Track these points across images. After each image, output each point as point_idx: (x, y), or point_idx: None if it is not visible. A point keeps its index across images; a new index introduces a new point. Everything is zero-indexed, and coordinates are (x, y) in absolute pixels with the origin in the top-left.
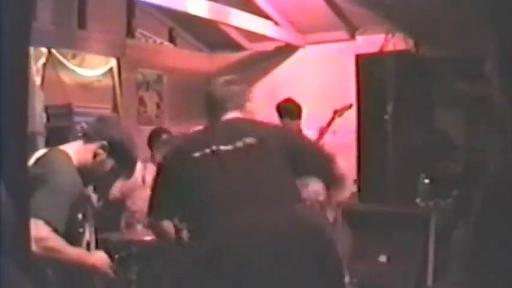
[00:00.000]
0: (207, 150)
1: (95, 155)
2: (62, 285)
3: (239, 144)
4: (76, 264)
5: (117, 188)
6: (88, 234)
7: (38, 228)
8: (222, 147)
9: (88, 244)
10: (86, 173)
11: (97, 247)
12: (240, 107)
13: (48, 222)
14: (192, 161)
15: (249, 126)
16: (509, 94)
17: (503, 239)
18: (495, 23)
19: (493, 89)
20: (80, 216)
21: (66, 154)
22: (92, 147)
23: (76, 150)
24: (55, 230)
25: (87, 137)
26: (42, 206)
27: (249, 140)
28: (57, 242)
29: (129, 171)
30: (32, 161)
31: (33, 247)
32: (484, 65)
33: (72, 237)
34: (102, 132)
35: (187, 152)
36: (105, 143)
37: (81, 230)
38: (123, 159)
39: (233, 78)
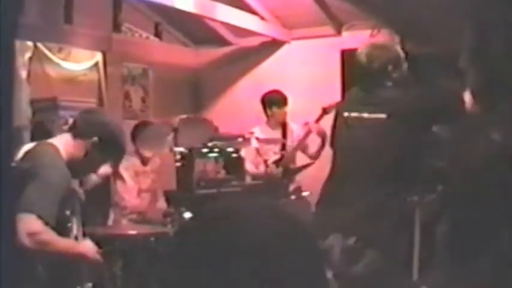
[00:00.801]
0: None
1: (86, 152)
2: (52, 281)
3: None
4: (66, 254)
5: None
6: (75, 228)
7: (31, 223)
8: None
9: (76, 238)
10: (75, 168)
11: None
12: None
13: (40, 217)
14: None
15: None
16: (481, 85)
17: (485, 233)
18: (470, 16)
19: (467, 81)
20: (68, 211)
21: (54, 148)
22: (82, 143)
23: (65, 144)
24: (46, 224)
25: (76, 132)
26: (33, 201)
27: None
28: (49, 236)
29: (118, 160)
30: (20, 154)
31: (27, 241)
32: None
33: (61, 231)
34: (92, 127)
35: None
36: (96, 139)
37: (69, 224)
38: (113, 153)
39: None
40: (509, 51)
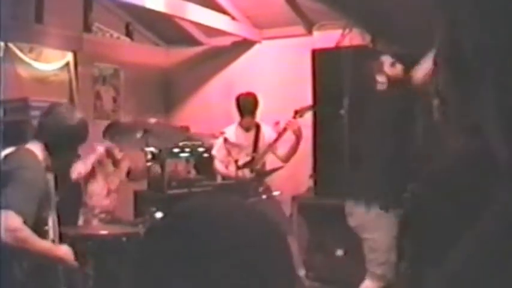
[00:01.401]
0: None
1: (51, 153)
2: (29, 282)
3: None
4: (45, 256)
5: (77, 169)
6: (52, 233)
7: (10, 219)
8: None
9: (53, 241)
10: (51, 168)
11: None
12: None
13: (19, 213)
14: None
15: None
16: (456, 85)
17: (455, 231)
18: (441, 16)
19: (440, 81)
20: (44, 213)
21: (31, 152)
22: (44, 146)
23: (37, 148)
24: (25, 222)
25: (38, 136)
26: (13, 198)
27: None
28: (28, 233)
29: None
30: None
31: (6, 237)
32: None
33: (39, 234)
34: (49, 130)
35: None
36: (45, 144)
37: (46, 227)
38: (72, 151)
39: None
40: (480, 52)
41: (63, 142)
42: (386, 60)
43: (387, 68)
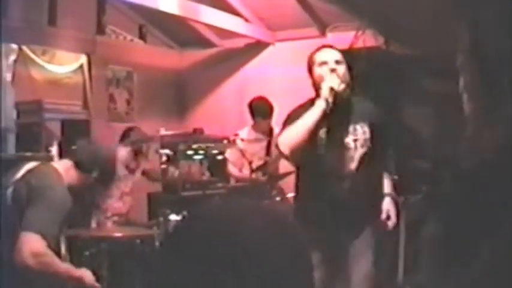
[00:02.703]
0: None
1: (88, 184)
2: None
3: None
4: (66, 278)
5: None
6: (63, 246)
7: (35, 243)
8: None
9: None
10: (72, 193)
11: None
12: None
13: (44, 237)
14: None
15: None
16: (476, 88)
17: (472, 234)
18: (465, 18)
19: (459, 84)
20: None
21: (57, 171)
22: (83, 176)
23: (66, 170)
24: (49, 245)
25: (80, 165)
26: (38, 221)
27: None
28: (51, 258)
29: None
30: (21, 172)
31: (30, 261)
32: (452, 61)
33: (53, 250)
34: (95, 163)
35: None
36: (96, 175)
37: (60, 244)
38: (108, 182)
39: None
40: (503, 52)
41: (94, 168)
42: None
43: None
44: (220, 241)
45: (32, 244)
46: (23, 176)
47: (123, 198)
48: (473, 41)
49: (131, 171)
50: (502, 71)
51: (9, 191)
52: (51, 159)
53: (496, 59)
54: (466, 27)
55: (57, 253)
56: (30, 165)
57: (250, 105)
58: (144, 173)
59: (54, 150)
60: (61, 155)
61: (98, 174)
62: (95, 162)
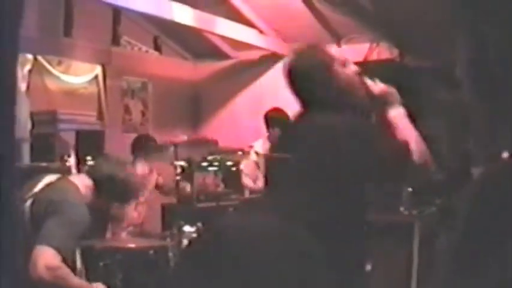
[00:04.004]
0: None
1: (98, 196)
2: None
3: None
4: None
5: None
6: (79, 261)
7: (50, 257)
8: None
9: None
10: (90, 205)
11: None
12: None
13: (59, 251)
14: None
15: None
16: (480, 97)
17: (487, 246)
18: (465, 26)
19: (465, 93)
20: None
21: (75, 186)
22: (103, 196)
23: (85, 187)
24: (64, 260)
25: (99, 187)
26: (55, 235)
27: None
28: (66, 272)
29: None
30: (39, 186)
31: (44, 274)
32: (458, 71)
33: (68, 265)
34: (116, 187)
35: None
36: (116, 198)
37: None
38: (128, 201)
39: None
40: (506, 62)
41: (106, 189)
42: None
43: None
44: (234, 254)
45: (47, 258)
46: (43, 190)
47: (137, 208)
48: (475, 51)
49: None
50: (504, 80)
51: (28, 203)
52: (66, 170)
53: (498, 70)
54: (468, 38)
55: (73, 268)
56: (49, 178)
57: (266, 117)
58: (157, 186)
59: (71, 161)
60: (78, 166)
61: (118, 196)
62: (115, 187)
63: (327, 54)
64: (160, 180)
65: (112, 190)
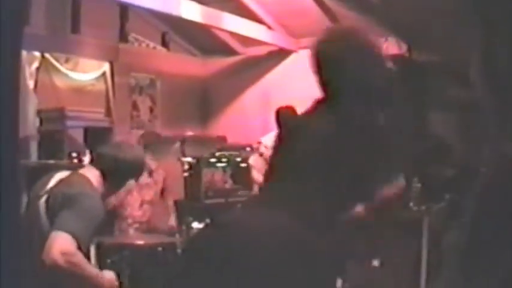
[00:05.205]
0: None
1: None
2: None
3: None
4: (93, 282)
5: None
6: (93, 255)
7: (65, 242)
8: None
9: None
10: (103, 200)
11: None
12: None
13: (75, 238)
14: None
15: None
16: (492, 95)
17: (496, 242)
18: (479, 25)
19: (477, 91)
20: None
21: (88, 179)
22: (111, 184)
23: (96, 179)
24: (79, 247)
25: (107, 175)
26: (72, 223)
27: None
28: (81, 259)
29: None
30: (53, 181)
31: (59, 260)
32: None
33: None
34: (124, 174)
35: None
36: (102, 171)
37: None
38: (134, 174)
39: None
40: None
41: (118, 173)
42: None
43: None
44: (240, 250)
45: (62, 243)
46: (57, 185)
47: (143, 207)
48: (487, 49)
49: (151, 173)
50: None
51: (42, 200)
52: (75, 167)
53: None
54: (481, 35)
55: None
56: (62, 174)
57: (277, 114)
58: (163, 190)
59: (86, 159)
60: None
61: (127, 174)
62: (123, 174)
63: (367, 39)
64: (168, 182)
65: (125, 172)
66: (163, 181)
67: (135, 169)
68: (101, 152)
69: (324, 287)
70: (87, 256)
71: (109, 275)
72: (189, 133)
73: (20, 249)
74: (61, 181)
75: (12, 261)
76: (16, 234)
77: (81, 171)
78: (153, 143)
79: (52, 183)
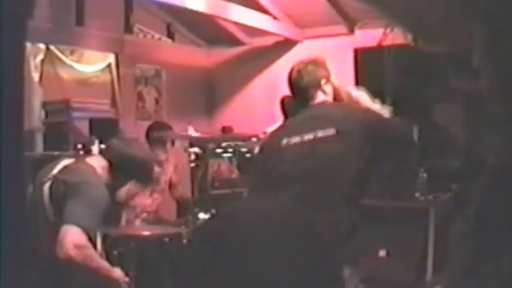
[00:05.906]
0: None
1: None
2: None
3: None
4: (103, 275)
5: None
6: (100, 247)
7: (78, 236)
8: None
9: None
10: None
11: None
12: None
13: (85, 230)
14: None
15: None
16: (497, 85)
17: (502, 232)
18: (482, 14)
19: (482, 81)
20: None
21: (94, 169)
22: (119, 178)
23: (102, 168)
24: (89, 239)
25: (116, 169)
26: (79, 215)
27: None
28: (93, 251)
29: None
30: (57, 168)
31: (73, 253)
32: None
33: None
34: (132, 171)
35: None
36: (134, 180)
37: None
38: (146, 181)
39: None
40: None
41: (123, 169)
42: None
43: None
44: (247, 240)
45: (74, 236)
46: (61, 172)
47: (152, 196)
48: (491, 39)
49: (159, 163)
50: None
51: (46, 186)
52: (81, 157)
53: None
54: (484, 25)
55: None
56: (67, 161)
57: (283, 102)
58: (170, 185)
59: (95, 149)
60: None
61: (136, 176)
62: (131, 170)
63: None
64: (174, 178)
65: (131, 169)
66: (173, 171)
67: (140, 170)
68: (111, 144)
69: (331, 274)
70: (94, 247)
71: (118, 270)
72: (195, 133)
73: (25, 241)
74: (65, 167)
75: (16, 256)
76: (21, 226)
77: (88, 159)
78: (160, 133)
79: (57, 169)
